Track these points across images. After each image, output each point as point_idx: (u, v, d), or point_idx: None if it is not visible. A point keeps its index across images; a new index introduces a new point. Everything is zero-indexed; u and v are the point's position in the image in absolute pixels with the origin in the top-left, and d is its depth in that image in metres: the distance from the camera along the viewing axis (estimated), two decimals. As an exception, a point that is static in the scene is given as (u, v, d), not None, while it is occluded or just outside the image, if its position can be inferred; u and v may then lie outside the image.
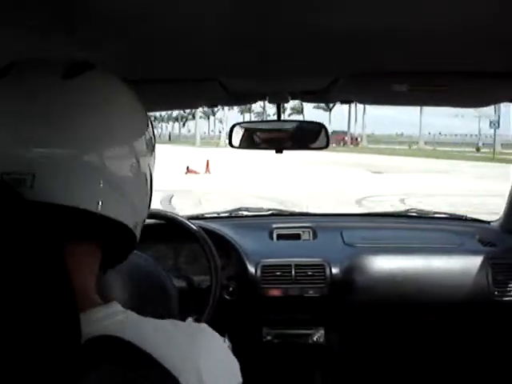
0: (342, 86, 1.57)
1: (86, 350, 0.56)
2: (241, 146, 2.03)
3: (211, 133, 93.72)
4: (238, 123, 2.05)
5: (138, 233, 0.75)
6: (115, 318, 0.66)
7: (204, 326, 0.76)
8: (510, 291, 2.10)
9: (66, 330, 0.53)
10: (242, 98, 1.84)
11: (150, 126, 0.78)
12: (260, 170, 20.40)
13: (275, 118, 1.97)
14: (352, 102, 1.79)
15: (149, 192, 0.78)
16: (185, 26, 0.98)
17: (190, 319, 0.76)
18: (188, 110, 56.43)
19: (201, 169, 19.76)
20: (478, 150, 42.99)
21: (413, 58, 1.32)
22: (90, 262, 0.71)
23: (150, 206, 0.80)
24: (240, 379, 0.76)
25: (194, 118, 64.63)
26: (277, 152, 2.00)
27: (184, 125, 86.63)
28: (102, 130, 0.68)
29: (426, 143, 56.22)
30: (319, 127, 1.97)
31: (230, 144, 2.02)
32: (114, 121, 0.70)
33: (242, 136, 2.01)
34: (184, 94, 1.69)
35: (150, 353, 0.61)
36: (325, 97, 1.76)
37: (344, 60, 1.34)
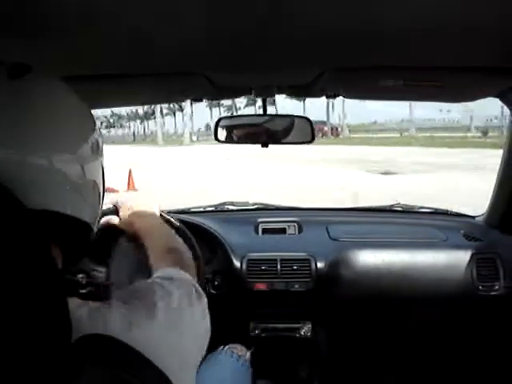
0: (329, 79, 1.56)
1: (76, 350, 0.56)
2: (226, 141, 2.02)
3: (180, 130, 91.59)
4: (224, 117, 2.04)
5: (93, 226, 0.77)
6: (80, 312, 0.66)
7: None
8: (494, 286, 2.12)
9: (57, 329, 0.53)
10: (227, 92, 1.83)
11: (95, 129, 0.78)
12: (221, 180, 14.73)
13: (255, 112, 1.97)
14: (338, 96, 1.79)
15: (101, 193, 0.80)
16: (170, 19, 0.96)
17: None
18: (153, 106, 55.72)
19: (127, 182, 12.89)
20: (485, 134, 37.03)
21: (399, 53, 1.32)
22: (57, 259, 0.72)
23: (101, 207, 0.81)
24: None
25: (160, 115, 61.57)
26: (262, 146, 1.99)
27: (142, 123, 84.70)
28: (48, 134, 0.67)
29: (417, 130, 53.15)
30: (305, 121, 1.96)
31: (216, 138, 2.01)
32: (59, 126, 0.70)
33: (228, 130, 2.00)
34: (169, 87, 1.67)
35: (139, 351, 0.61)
36: (311, 91, 1.76)
37: (330, 54, 1.34)
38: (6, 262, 0.48)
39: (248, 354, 1.71)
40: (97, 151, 0.77)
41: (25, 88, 0.67)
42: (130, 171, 12.88)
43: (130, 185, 12.81)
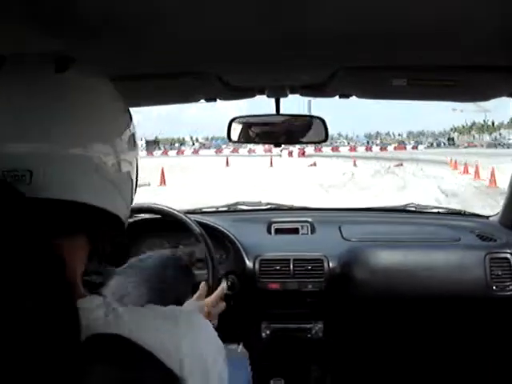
0: (341, 79, 1.56)
1: (86, 350, 0.56)
2: (239, 140, 2.03)
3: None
4: (237, 117, 2.04)
5: (124, 220, 0.77)
6: (102, 311, 0.66)
7: (185, 308, 0.78)
8: (508, 286, 2.10)
9: (66, 327, 0.53)
10: (240, 92, 1.84)
11: (131, 123, 0.80)
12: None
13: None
14: (351, 95, 1.78)
15: (133, 187, 0.80)
16: (183, 20, 0.97)
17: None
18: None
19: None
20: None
21: (412, 53, 1.32)
22: (81, 253, 0.72)
23: (132, 201, 0.81)
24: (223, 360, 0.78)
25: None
26: (275, 146, 1.99)
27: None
28: (90, 126, 0.69)
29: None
30: (319, 121, 1.97)
31: (229, 138, 2.02)
32: (100, 118, 0.71)
33: (241, 130, 2.00)
34: (182, 87, 1.68)
35: (149, 350, 0.61)
36: (324, 91, 1.76)
37: (343, 53, 1.34)
38: (8, 257, 0.49)
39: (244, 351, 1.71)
40: (132, 145, 0.78)
41: (69, 81, 0.69)
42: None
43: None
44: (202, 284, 1.61)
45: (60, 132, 0.66)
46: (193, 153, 55.56)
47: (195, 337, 0.72)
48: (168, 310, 0.75)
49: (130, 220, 2.13)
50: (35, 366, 0.48)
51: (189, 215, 1.91)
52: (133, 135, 0.79)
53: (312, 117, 1.98)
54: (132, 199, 0.80)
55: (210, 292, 1.66)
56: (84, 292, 0.70)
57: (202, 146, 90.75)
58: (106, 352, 0.59)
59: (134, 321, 0.67)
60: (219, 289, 1.60)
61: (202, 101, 1.90)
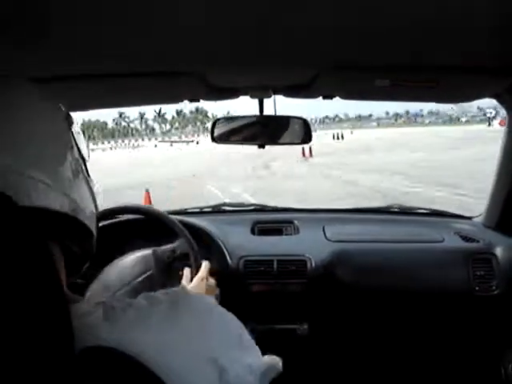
0: (325, 80, 1.56)
1: (78, 363, 0.55)
2: (223, 141, 2.02)
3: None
4: (220, 118, 2.04)
5: (86, 219, 0.72)
6: (94, 315, 0.65)
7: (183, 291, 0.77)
8: (490, 287, 2.12)
9: (60, 336, 0.52)
10: (223, 93, 1.83)
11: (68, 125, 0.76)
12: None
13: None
14: (334, 96, 1.79)
15: (82, 181, 0.75)
16: (164, 18, 0.96)
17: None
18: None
19: None
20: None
21: (395, 53, 1.32)
22: (60, 260, 0.71)
23: (91, 197, 0.77)
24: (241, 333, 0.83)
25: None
26: (259, 147, 1.99)
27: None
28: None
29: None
30: (301, 122, 1.97)
31: (213, 139, 2.01)
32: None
33: (224, 131, 2.00)
34: (165, 88, 1.67)
35: (144, 363, 0.60)
36: (308, 91, 1.76)
37: (326, 54, 1.34)
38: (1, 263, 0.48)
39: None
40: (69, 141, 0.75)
41: None
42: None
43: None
44: (186, 269, 1.68)
45: None
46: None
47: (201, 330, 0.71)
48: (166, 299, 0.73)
49: (115, 220, 2.11)
50: (28, 378, 0.47)
51: (172, 216, 1.89)
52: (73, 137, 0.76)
53: (295, 118, 1.99)
54: (85, 198, 0.75)
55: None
56: (73, 297, 0.69)
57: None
58: (100, 366, 0.58)
59: (136, 322, 0.66)
60: (203, 266, 1.70)
61: (186, 101, 1.89)
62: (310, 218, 2.65)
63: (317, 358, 2.32)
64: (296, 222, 2.49)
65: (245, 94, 1.85)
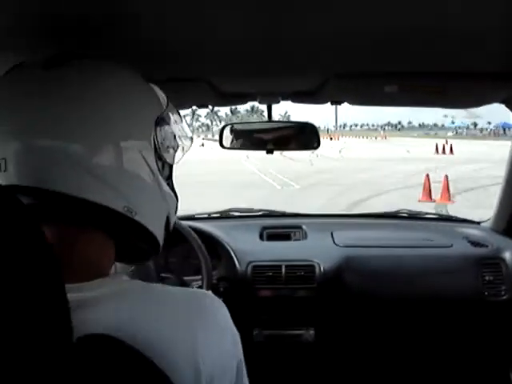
0: (333, 86, 1.57)
1: (77, 351, 0.56)
2: (231, 147, 2.03)
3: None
4: (229, 124, 2.05)
5: (148, 223, 0.75)
6: (120, 286, 0.70)
7: (204, 293, 0.78)
8: (500, 291, 2.11)
9: (57, 329, 0.52)
10: (232, 98, 1.84)
11: (159, 118, 0.78)
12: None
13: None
14: (343, 102, 1.79)
15: (150, 184, 0.77)
16: (173, 24, 0.97)
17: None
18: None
19: None
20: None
21: (403, 59, 1.32)
22: (103, 249, 0.75)
23: (157, 196, 0.79)
24: (241, 356, 0.80)
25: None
26: (267, 153, 1.99)
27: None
28: (81, 123, 0.68)
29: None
30: (310, 128, 1.97)
31: (221, 144, 2.02)
32: (102, 115, 0.70)
33: (233, 137, 2.01)
34: (173, 93, 1.67)
35: (140, 351, 0.61)
36: (316, 97, 1.76)
37: (335, 60, 1.34)
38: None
39: None
40: (164, 143, 0.78)
41: (58, 77, 0.69)
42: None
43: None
44: None
45: (43, 127, 0.67)
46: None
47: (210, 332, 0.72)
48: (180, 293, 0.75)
49: None
50: (26, 367, 0.48)
51: (181, 221, 1.90)
52: (160, 133, 0.78)
53: (303, 123, 1.99)
54: (154, 200, 0.78)
55: None
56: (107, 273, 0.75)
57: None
58: (97, 353, 0.59)
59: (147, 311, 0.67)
60: None
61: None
62: (319, 223, 2.65)
63: (323, 364, 2.32)
64: (304, 227, 2.48)
65: (253, 99, 1.86)
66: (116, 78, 0.75)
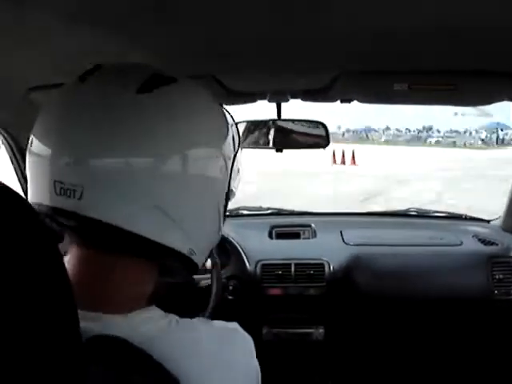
0: (343, 84, 1.56)
1: (85, 351, 0.56)
2: (239, 145, 2.03)
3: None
4: (238, 122, 2.04)
5: (198, 258, 0.74)
6: (156, 324, 0.69)
7: (236, 327, 0.78)
8: (510, 290, 2.10)
9: (66, 330, 0.53)
10: (241, 97, 1.84)
11: (230, 146, 0.77)
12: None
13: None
14: (352, 100, 1.78)
15: (213, 218, 0.77)
16: (182, 21, 0.97)
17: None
18: None
19: None
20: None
21: (413, 57, 1.32)
22: (138, 273, 0.72)
23: (216, 231, 0.79)
24: None
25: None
26: (277, 151, 1.99)
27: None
28: (163, 149, 0.66)
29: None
30: (320, 126, 1.97)
31: None
32: (181, 139, 0.68)
33: (242, 135, 2.00)
34: None
35: (148, 353, 0.62)
36: (325, 95, 1.76)
37: (344, 58, 1.34)
38: (9, 261, 0.48)
39: None
40: (226, 169, 0.76)
41: (149, 103, 0.67)
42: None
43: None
44: None
45: (121, 153, 0.64)
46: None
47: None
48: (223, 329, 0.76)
49: None
50: (35, 368, 0.48)
51: None
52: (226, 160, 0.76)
53: (313, 121, 1.99)
54: (208, 234, 0.77)
55: (214, 297, 1.68)
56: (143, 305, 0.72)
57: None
58: (107, 354, 0.59)
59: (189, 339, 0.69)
60: None
61: None
62: (328, 221, 2.65)
63: (332, 362, 2.32)
64: (313, 225, 2.48)
65: (262, 98, 1.86)
66: (201, 105, 0.75)
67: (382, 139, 42.75)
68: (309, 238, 2.43)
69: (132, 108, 0.65)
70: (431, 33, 1.06)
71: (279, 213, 2.80)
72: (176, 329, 0.69)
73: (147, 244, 0.65)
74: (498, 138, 48.08)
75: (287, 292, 2.16)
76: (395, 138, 44.60)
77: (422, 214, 2.75)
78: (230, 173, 0.77)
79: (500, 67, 1.41)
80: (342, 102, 1.81)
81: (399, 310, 2.19)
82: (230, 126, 0.78)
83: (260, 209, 2.84)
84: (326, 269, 2.16)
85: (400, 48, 1.21)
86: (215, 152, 0.73)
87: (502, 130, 50.55)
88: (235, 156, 0.79)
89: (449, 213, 2.74)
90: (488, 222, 2.52)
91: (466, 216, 2.67)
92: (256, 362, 0.78)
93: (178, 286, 1.84)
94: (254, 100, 1.91)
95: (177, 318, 0.71)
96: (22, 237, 0.49)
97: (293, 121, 1.99)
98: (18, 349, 0.47)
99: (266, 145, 2.04)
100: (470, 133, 58.11)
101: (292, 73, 1.55)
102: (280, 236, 2.44)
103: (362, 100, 1.78)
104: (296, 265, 2.17)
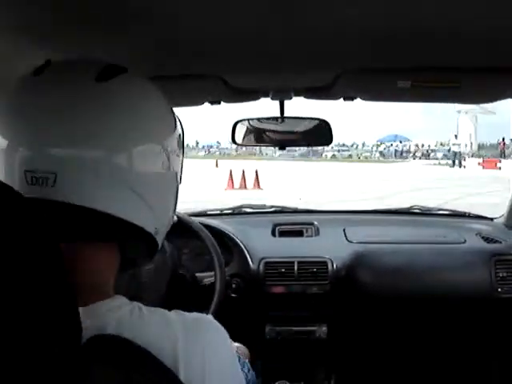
0: (346, 82, 1.56)
1: (86, 350, 0.56)
2: (243, 143, 2.03)
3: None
4: (241, 120, 2.04)
5: (159, 238, 0.76)
6: (121, 311, 0.68)
7: (209, 318, 0.77)
8: None
9: (66, 329, 0.53)
10: (244, 95, 1.83)
11: (178, 124, 0.81)
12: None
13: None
14: (356, 98, 1.78)
15: (173, 198, 0.79)
16: (185, 20, 0.98)
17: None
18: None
19: None
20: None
21: (416, 54, 1.32)
22: (106, 259, 0.73)
23: (173, 212, 0.81)
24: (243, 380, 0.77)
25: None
26: (280, 149, 1.99)
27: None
28: (129, 132, 0.68)
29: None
30: (323, 124, 1.97)
31: (233, 141, 2.02)
32: (143, 122, 0.71)
33: (245, 132, 2.01)
34: (185, 90, 1.68)
35: (149, 350, 0.62)
36: (329, 93, 1.75)
37: (348, 55, 1.34)
38: (9, 259, 0.48)
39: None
40: (181, 147, 0.79)
41: (110, 89, 0.69)
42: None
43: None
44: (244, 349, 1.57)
45: (91, 139, 0.66)
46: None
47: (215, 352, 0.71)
48: (192, 318, 0.74)
49: None
50: (35, 367, 0.48)
51: (193, 218, 1.91)
52: (180, 136, 0.79)
53: (316, 119, 1.99)
54: (169, 213, 0.79)
55: (218, 295, 1.68)
56: (110, 294, 0.72)
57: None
58: (107, 353, 0.60)
59: (158, 324, 0.68)
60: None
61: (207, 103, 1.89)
62: (331, 219, 2.65)
63: (335, 361, 2.32)
64: (316, 223, 2.48)
65: (266, 95, 1.86)
66: (149, 91, 0.77)
67: (277, 154, 40.78)
68: (312, 236, 2.43)
69: (94, 94, 0.68)
70: (433, 30, 1.06)
71: (282, 210, 2.80)
72: (142, 315, 0.69)
73: (119, 225, 0.67)
74: (396, 150, 47.67)
75: (290, 290, 2.16)
76: (292, 152, 42.95)
77: (426, 212, 2.75)
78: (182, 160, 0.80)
79: (504, 64, 1.41)
80: (345, 99, 1.81)
81: (402, 308, 2.19)
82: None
83: (263, 207, 2.84)
84: (329, 267, 2.15)
85: (403, 45, 1.21)
86: (174, 139, 0.77)
87: (400, 142, 50.24)
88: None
89: (452, 211, 2.74)
90: (491, 219, 2.52)
91: (469, 214, 2.67)
92: (231, 352, 0.77)
93: (182, 284, 1.84)
94: (257, 98, 1.90)
95: (139, 304, 0.71)
96: (21, 234, 0.50)
97: (296, 118, 1.99)
98: (18, 348, 0.47)
99: (268, 142, 2.04)
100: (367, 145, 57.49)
101: (295, 71, 1.55)
102: (283, 234, 2.44)
103: (366, 98, 1.78)
104: (299, 263, 2.17)
